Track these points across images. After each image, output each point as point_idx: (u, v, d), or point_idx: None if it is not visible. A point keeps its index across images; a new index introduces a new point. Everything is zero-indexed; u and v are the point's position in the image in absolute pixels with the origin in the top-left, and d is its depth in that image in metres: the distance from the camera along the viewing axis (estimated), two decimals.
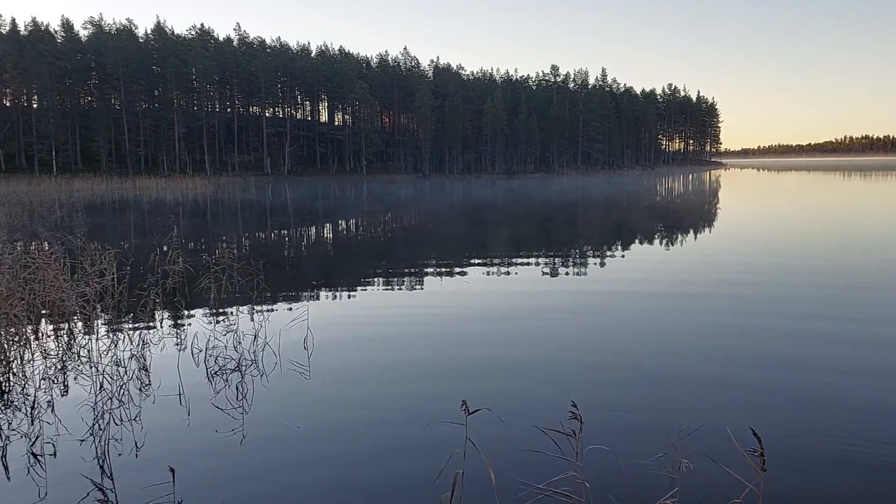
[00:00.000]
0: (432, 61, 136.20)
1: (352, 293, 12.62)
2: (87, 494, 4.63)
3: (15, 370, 7.27)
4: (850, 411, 6.15)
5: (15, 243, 12.57)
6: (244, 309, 10.54)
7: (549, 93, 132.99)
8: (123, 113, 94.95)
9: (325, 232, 27.17)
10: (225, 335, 8.68)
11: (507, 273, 14.83)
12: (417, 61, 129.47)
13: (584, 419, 3.51)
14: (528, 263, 16.24)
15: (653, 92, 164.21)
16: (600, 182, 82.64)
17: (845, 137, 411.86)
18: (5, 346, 7.69)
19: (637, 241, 21.18)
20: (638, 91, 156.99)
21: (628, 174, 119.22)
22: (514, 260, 16.96)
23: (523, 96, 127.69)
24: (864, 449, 5.38)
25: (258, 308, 10.54)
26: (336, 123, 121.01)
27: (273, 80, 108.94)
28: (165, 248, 12.39)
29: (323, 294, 12.52)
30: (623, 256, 17.45)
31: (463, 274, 14.63)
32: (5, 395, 6.65)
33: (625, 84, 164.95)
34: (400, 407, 6.47)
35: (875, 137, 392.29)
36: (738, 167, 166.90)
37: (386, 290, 12.82)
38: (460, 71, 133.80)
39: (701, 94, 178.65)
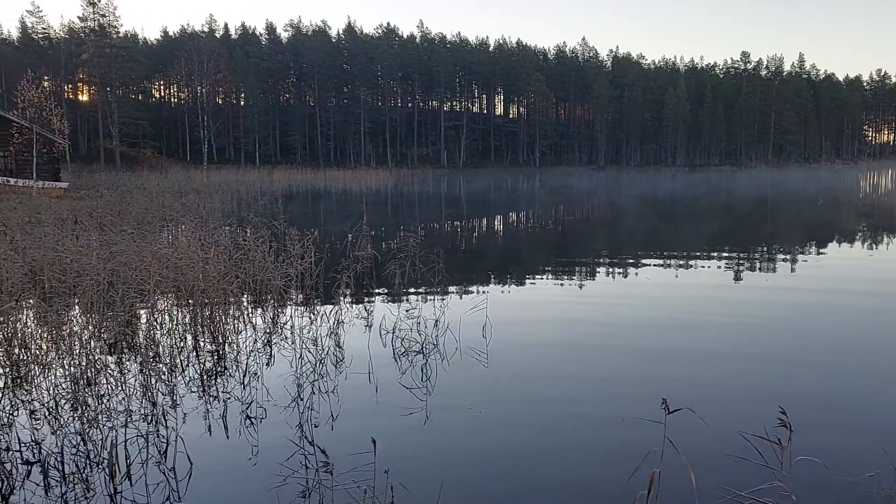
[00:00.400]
0: (611, 51, 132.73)
1: (530, 283, 12.70)
2: (293, 455, 5.07)
3: (230, 341, 8.13)
4: None
5: (226, 227, 14.00)
6: (426, 295, 10.97)
7: (738, 81, 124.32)
8: (317, 109, 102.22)
9: (500, 223, 27.51)
10: (409, 319, 9.08)
11: (697, 269, 14.13)
12: (596, 52, 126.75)
13: (793, 428, 3.26)
14: (719, 260, 15.37)
15: (858, 79, 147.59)
16: (794, 176, 76.02)
17: None
18: (222, 318, 8.62)
19: (836, 240, 19.26)
20: (840, 78, 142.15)
21: (826, 168, 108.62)
22: (703, 256, 16.13)
23: (709, 85, 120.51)
24: None
25: (439, 295, 10.92)
26: (511, 116, 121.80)
27: (452, 74, 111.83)
28: (351, 236, 13.20)
29: (501, 283, 12.72)
30: (825, 255, 15.96)
31: (645, 267, 14.16)
32: (221, 363, 7.45)
33: (825, 71, 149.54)
34: (584, 401, 6.41)
35: None
36: None
37: (566, 281, 12.76)
38: (640, 60, 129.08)
39: None
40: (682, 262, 15.31)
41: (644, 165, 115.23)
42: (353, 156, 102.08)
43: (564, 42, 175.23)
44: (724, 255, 16.64)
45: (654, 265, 14.93)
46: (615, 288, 12.25)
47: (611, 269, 14.39)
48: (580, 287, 12.34)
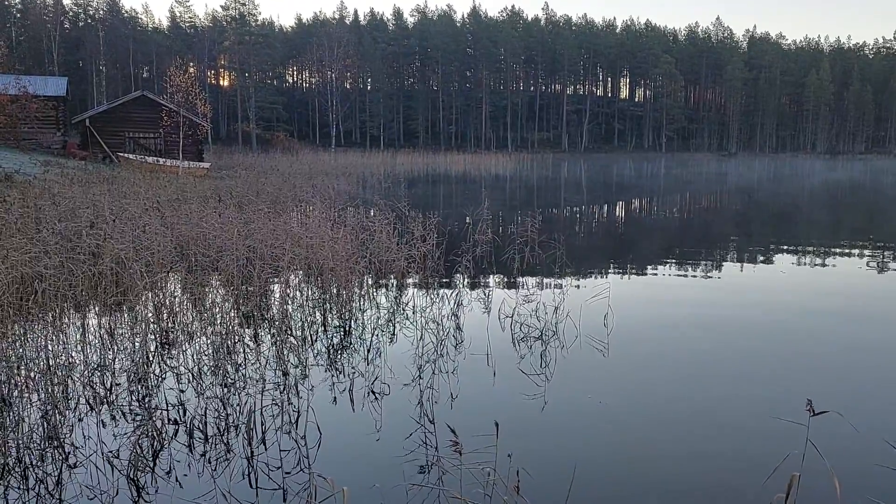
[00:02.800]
0: (748, 31, 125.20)
1: (653, 273, 12.34)
2: (414, 432, 5.22)
3: (356, 318, 8.45)
4: None
5: (354, 209, 14.51)
6: (545, 281, 10.90)
7: (891, 62, 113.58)
8: (440, 93, 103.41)
9: (622, 210, 26.80)
10: (527, 304, 9.06)
11: (840, 263, 13.21)
12: (731, 31, 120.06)
13: None
14: (864, 253, 14.27)
15: None
16: None
17: None
18: (349, 296, 8.98)
19: None
20: None
21: None
22: (846, 249, 15.03)
23: (856, 67, 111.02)
24: None
25: (559, 281, 10.82)
26: (636, 99, 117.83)
27: (576, 56, 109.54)
28: (471, 220, 13.32)
29: (623, 272, 12.44)
30: None
31: (771, 261, 13.39)
32: (347, 338, 7.77)
33: None
34: (715, 397, 6.18)
35: None
36: None
37: (687, 273, 12.28)
38: (780, 40, 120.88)
39: None
40: (820, 255, 14.32)
41: (779, 151, 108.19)
42: (473, 140, 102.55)
43: (697, 22, 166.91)
44: (872, 248, 15.39)
45: (789, 258, 14.06)
46: (745, 281, 11.67)
47: (741, 261, 13.71)
48: (707, 279, 11.84)
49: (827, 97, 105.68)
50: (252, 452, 4.81)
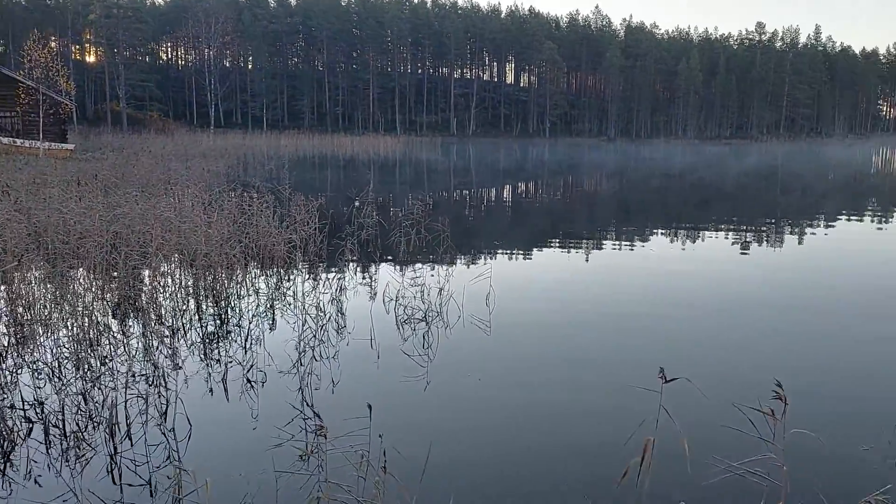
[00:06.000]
0: (624, 20, 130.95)
1: (534, 254, 12.66)
2: (292, 420, 5.08)
3: (232, 305, 8.13)
4: None
5: (231, 192, 13.94)
6: (430, 263, 10.93)
7: (752, 53, 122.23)
8: (325, 74, 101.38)
9: (507, 193, 27.37)
10: (412, 287, 9.04)
11: (702, 242, 14.08)
12: (609, 20, 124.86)
13: (788, 401, 3.24)
14: (718, 236, 15.29)
15: (875, 52, 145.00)
16: (808, 151, 75.32)
17: None
18: (225, 282, 8.62)
19: (843, 216, 19.08)
20: (857, 51, 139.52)
21: (837, 143, 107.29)
22: (702, 231, 16.04)
23: (722, 56, 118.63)
24: None
25: (443, 263, 10.88)
26: (522, 85, 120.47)
27: (463, 41, 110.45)
28: (358, 203, 13.15)
29: (505, 254, 12.68)
30: (823, 234, 15.83)
31: (646, 241, 14.11)
32: (224, 326, 7.46)
33: (841, 43, 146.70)
34: (584, 369, 6.42)
35: None
36: None
37: (567, 253, 12.71)
38: (654, 30, 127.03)
39: None
40: (688, 236, 15.24)
41: (653, 137, 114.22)
42: (361, 122, 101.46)
43: (577, 10, 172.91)
44: (731, 229, 16.54)
45: (661, 238, 14.87)
46: (620, 260, 12.21)
47: (617, 242, 14.34)
48: (585, 258, 12.29)
49: (696, 85, 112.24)
50: (116, 448, 4.55)
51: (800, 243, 14.32)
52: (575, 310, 8.58)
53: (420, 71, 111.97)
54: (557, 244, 13.88)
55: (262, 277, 9.58)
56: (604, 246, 13.72)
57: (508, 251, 13.03)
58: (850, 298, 9.42)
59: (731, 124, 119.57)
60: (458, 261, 11.28)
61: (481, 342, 7.15)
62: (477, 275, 9.61)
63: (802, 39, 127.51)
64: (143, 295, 8.01)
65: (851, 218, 18.59)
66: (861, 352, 7.06)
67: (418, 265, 10.83)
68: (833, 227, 16.89)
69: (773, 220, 18.33)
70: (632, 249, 13.36)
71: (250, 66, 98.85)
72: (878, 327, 7.95)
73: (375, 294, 8.94)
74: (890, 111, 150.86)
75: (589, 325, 7.93)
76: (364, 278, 9.95)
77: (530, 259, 12.30)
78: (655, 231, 15.94)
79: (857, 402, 5.64)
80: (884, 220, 18.31)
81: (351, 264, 10.67)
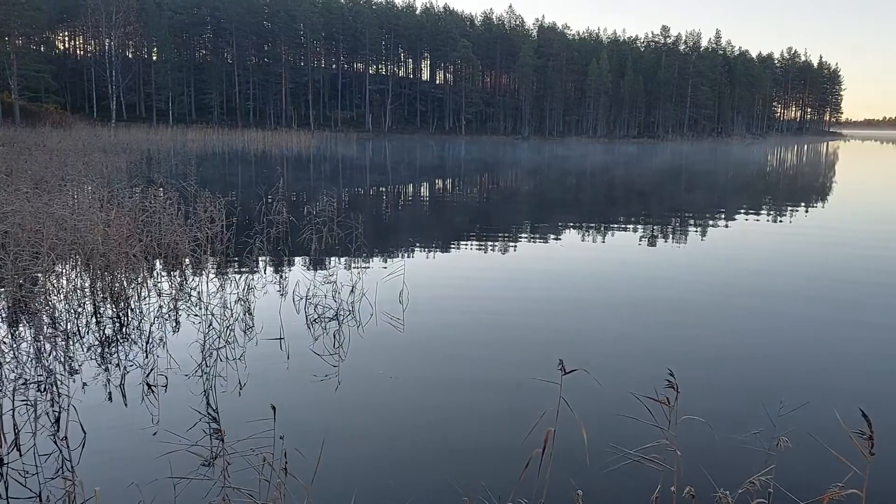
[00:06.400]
0: (537, 20, 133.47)
1: (448, 251, 12.74)
2: (195, 425, 4.93)
3: (133, 307, 7.78)
4: None
5: (134, 188, 13.37)
6: (343, 261, 10.82)
7: (658, 55, 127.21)
8: (235, 67, 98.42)
9: (423, 190, 27.43)
10: (324, 285, 8.93)
11: (605, 239, 14.54)
12: (522, 20, 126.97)
13: (681, 389, 3.40)
14: (626, 231, 15.86)
15: (770, 56, 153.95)
16: (709, 150, 79.08)
17: None
18: (124, 283, 8.24)
19: (741, 213, 20.17)
20: (754, 55, 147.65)
21: (736, 143, 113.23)
22: (609, 227, 16.60)
23: (630, 58, 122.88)
24: None
25: (356, 261, 10.80)
26: (437, 82, 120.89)
27: (377, 36, 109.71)
28: (270, 199, 12.85)
29: (420, 251, 12.70)
30: (724, 229, 16.70)
31: (558, 238, 14.46)
32: (123, 329, 7.14)
33: (739, 47, 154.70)
34: (492, 364, 6.52)
35: None
36: (859, 139, 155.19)
37: (482, 249, 12.85)
38: (566, 31, 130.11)
39: (823, 60, 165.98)
40: (599, 231, 15.72)
41: (565, 135, 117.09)
42: (273, 117, 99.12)
43: (491, 9, 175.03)
44: (639, 225, 17.17)
45: (573, 234, 15.27)
46: (532, 255, 12.47)
47: (531, 237, 14.63)
48: (500, 254, 12.47)
49: (606, 85, 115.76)
50: (2, 459, 4.28)
51: (702, 239, 15.01)
52: (487, 306, 8.68)
53: (334, 66, 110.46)
54: (473, 241, 14.03)
55: (166, 277, 9.23)
56: (518, 242, 13.96)
57: (423, 248, 13.06)
58: (742, 292, 9.94)
59: (639, 124, 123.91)
60: (372, 258, 11.22)
61: (394, 340, 7.14)
62: (390, 272, 9.60)
63: (704, 43, 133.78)
64: (35, 297, 7.55)
65: (749, 214, 19.64)
66: (749, 342, 7.48)
67: (330, 263, 10.71)
68: (733, 222, 17.80)
69: (677, 217, 19.15)
70: (546, 244, 13.67)
71: (154, 58, 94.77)
72: (766, 319, 8.45)
73: (285, 293, 8.77)
74: (783, 113, 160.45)
75: (499, 321, 8.04)
76: (273, 277, 9.74)
77: (445, 256, 12.38)
78: (568, 227, 16.35)
79: (744, 389, 5.99)
80: (778, 216, 19.44)
81: (260, 263, 10.43)
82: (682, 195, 27.05)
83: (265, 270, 10.09)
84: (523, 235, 14.90)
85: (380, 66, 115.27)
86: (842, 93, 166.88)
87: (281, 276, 9.77)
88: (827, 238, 15.09)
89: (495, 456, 4.64)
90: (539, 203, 23.23)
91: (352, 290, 8.61)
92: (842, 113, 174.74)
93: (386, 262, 11.09)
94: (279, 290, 8.94)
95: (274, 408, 3.66)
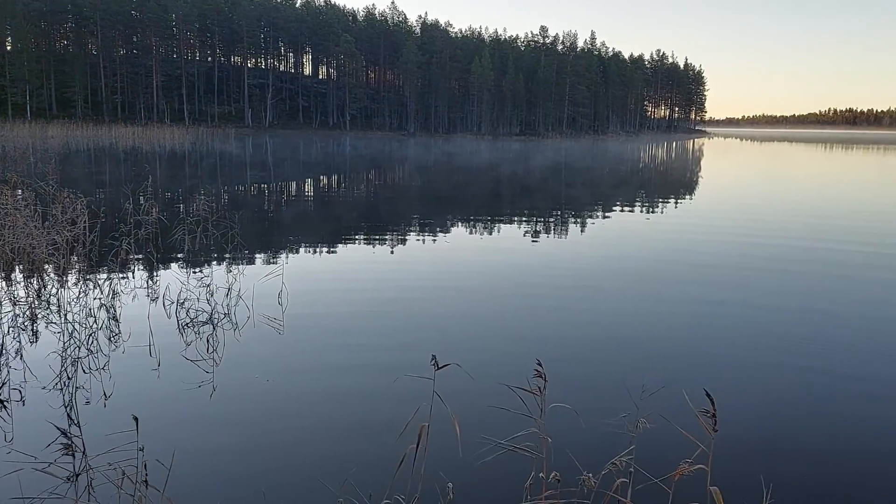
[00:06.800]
0: (420, 17, 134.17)
1: (331, 250, 12.58)
2: (55, 440, 4.61)
3: None
4: (806, 375, 6.30)
5: None
6: (218, 262, 10.46)
7: (538, 54, 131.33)
8: (100, 59, 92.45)
9: (305, 187, 26.94)
10: (198, 288, 8.62)
11: (486, 234, 14.87)
12: (405, 16, 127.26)
13: (552, 378, 3.55)
14: (508, 225, 16.29)
15: (641, 57, 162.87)
16: (589, 147, 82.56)
17: (829, 110, 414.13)
18: None
19: (617, 207, 21.24)
20: (626, 56, 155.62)
21: (612, 140, 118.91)
22: (494, 222, 16.99)
23: (511, 57, 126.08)
24: (813, 409, 5.53)
25: (233, 261, 10.47)
26: (320, 77, 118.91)
27: (256, 29, 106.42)
28: (140, 199, 12.20)
29: (300, 249, 12.48)
30: (601, 222, 17.52)
31: (446, 233, 14.64)
32: None
33: (613, 48, 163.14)
34: (371, 362, 6.52)
35: (859, 111, 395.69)
36: (722, 136, 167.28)
37: (364, 246, 12.80)
38: (448, 28, 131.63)
39: (689, 62, 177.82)
40: (484, 227, 16.05)
41: (450, 132, 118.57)
42: (144, 111, 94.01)
43: (374, 4, 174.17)
44: (522, 219, 17.67)
45: (459, 229, 15.50)
46: (415, 252, 12.54)
47: (407, 235, 14.71)
48: (385, 251, 12.44)
49: (488, 83, 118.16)
50: None
51: (581, 232, 15.66)
52: (368, 303, 8.65)
53: (210, 59, 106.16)
54: (358, 238, 13.93)
55: (22, 285, 8.57)
56: (404, 239, 13.99)
57: (305, 247, 12.82)
58: (613, 281, 10.46)
59: (521, 121, 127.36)
60: (250, 259, 10.90)
61: (272, 342, 6.99)
62: (269, 272, 9.39)
63: (580, 44, 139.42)
64: None
65: (624, 208, 20.70)
66: (618, 329, 7.91)
67: (205, 265, 10.31)
68: (608, 215, 18.68)
69: (558, 211, 19.85)
70: (431, 240, 13.78)
71: (9, 48, 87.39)
72: (635, 306, 8.95)
73: (155, 297, 8.37)
74: (653, 111, 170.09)
75: (380, 318, 8.04)
76: (142, 281, 9.26)
77: (328, 254, 12.21)
78: (455, 223, 16.57)
79: (612, 375, 6.31)
80: (650, 209, 20.61)
81: (126, 266, 9.89)
82: (564, 190, 28.09)
83: (133, 274, 9.58)
84: (410, 232, 14.98)
85: (259, 60, 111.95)
86: (706, 93, 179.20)
87: (150, 280, 9.30)
88: (693, 228, 16.18)
89: (371, 454, 4.65)
90: (426, 199, 23.41)
91: (228, 293, 8.36)
92: (706, 112, 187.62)
93: (265, 262, 10.81)
94: (148, 295, 8.52)
95: (136, 419, 3.50)
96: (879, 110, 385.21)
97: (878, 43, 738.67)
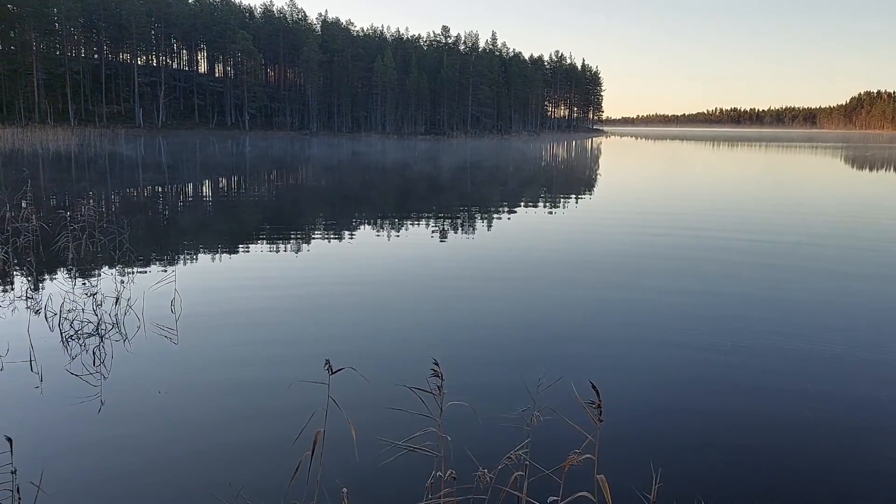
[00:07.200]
0: (320, 14, 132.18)
1: (226, 253, 12.19)
2: None
3: None
4: (694, 361, 6.65)
5: None
6: (106, 270, 9.93)
7: (440, 54, 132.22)
8: None
9: (202, 190, 26.00)
10: (83, 297, 8.16)
11: (390, 234, 14.83)
12: (304, 14, 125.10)
13: (451, 377, 3.57)
14: (413, 225, 16.30)
15: (540, 58, 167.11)
16: (493, 146, 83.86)
17: (716, 109, 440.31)
18: None
19: (521, 204, 21.68)
20: (526, 57, 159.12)
21: (516, 139, 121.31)
22: (398, 221, 16.97)
23: (414, 56, 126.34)
24: (702, 395, 5.85)
25: (122, 269, 9.97)
26: (217, 75, 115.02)
27: (146, 25, 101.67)
28: (20, 204, 11.41)
29: (194, 254, 12.02)
30: (505, 220, 17.83)
31: (345, 233, 14.49)
32: None
33: (514, 49, 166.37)
34: (265, 368, 6.36)
35: (743, 110, 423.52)
36: (618, 135, 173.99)
37: (263, 249, 12.48)
38: (350, 27, 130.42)
39: (586, 63, 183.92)
40: (390, 226, 15.98)
41: (354, 132, 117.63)
42: (23, 112, 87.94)
43: (272, 1, 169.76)
44: (429, 218, 17.72)
45: (365, 230, 15.38)
46: (314, 254, 12.35)
47: (317, 236, 14.48)
48: (281, 254, 12.17)
49: (392, 82, 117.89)
50: None
51: (488, 229, 15.83)
52: (265, 307, 8.41)
53: (97, 56, 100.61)
54: (257, 241, 13.55)
55: None
56: (306, 240, 13.72)
57: (200, 252, 12.34)
58: (512, 277, 10.67)
59: (426, 121, 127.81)
60: (140, 266, 10.40)
61: (165, 352, 6.70)
62: (160, 279, 9.00)
63: (482, 44, 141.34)
64: None
65: (528, 206, 21.14)
66: (515, 324, 8.07)
67: (91, 273, 9.76)
68: (512, 213, 19.03)
69: (464, 210, 19.98)
70: (335, 241, 13.60)
71: None
72: (533, 302, 9.16)
73: (37, 309, 7.86)
74: (553, 111, 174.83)
75: (277, 322, 7.85)
76: (21, 292, 8.66)
77: (223, 258, 11.79)
78: (361, 223, 16.43)
79: (508, 372, 6.37)
80: (552, 206, 21.14)
81: (5, 277, 9.23)
82: (470, 189, 28.36)
83: (11, 285, 8.95)
84: (312, 234, 14.73)
85: (150, 57, 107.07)
86: (602, 93, 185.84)
87: (30, 291, 8.71)
88: (592, 223, 16.73)
89: (266, 463, 4.55)
90: (329, 200, 23.07)
91: (116, 302, 7.97)
92: (603, 111, 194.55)
93: (156, 268, 10.34)
94: (29, 307, 7.98)
95: (10, 440, 3.27)
96: (761, 109, 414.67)
97: (759, 48, 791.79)
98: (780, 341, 7.32)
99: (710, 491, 4.32)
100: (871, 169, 45.01)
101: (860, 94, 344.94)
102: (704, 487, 4.37)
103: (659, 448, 4.90)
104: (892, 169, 45.42)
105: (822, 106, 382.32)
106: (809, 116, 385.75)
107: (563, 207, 20.83)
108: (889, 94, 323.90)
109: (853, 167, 47.53)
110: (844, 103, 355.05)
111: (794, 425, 5.32)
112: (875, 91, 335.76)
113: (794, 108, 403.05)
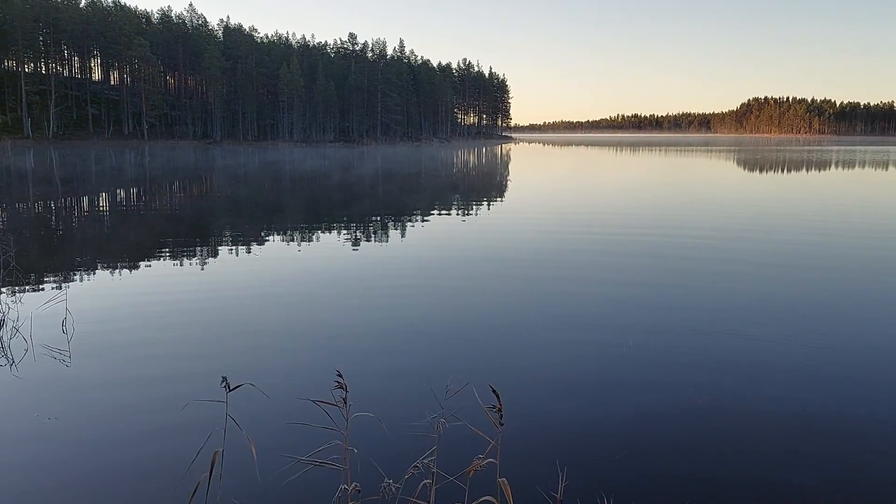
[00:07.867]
0: (222, 20, 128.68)
1: (122, 269, 11.63)
2: None
3: None
4: (602, 357, 6.86)
5: None
6: None
7: (348, 61, 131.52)
8: None
9: (97, 203, 24.73)
10: None
11: (298, 243, 14.57)
12: (205, 19, 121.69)
13: (358, 388, 3.53)
14: (324, 233, 16.07)
15: (449, 66, 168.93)
16: (405, 153, 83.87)
17: (619, 116, 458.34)
18: None
19: (434, 211, 21.77)
20: (434, 64, 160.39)
21: (427, 146, 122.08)
22: (308, 231, 16.70)
23: (321, 63, 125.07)
24: (609, 392, 6.05)
25: (9, 290, 9.34)
26: (112, 82, 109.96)
27: (33, 31, 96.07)
28: None
29: (88, 271, 11.40)
30: (418, 226, 17.84)
31: (250, 245, 14.13)
32: None
33: (422, 57, 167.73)
34: (163, 387, 6.10)
35: (643, 116, 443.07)
36: (526, 142, 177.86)
37: (161, 264, 11.99)
38: (254, 33, 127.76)
39: (493, 71, 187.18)
40: (302, 237, 15.68)
41: (260, 140, 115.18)
42: None
43: (170, 6, 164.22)
44: (342, 227, 17.50)
45: (266, 243, 15.02)
46: (213, 269, 11.94)
47: (215, 250, 14.05)
48: (180, 269, 11.72)
49: (298, 90, 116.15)
50: None
51: (401, 237, 15.71)
52: (163, 325, 8.05)
53: None
54: (156, 255, 12.98)
55: None
56: (209, 254, 13.26)
57: (94, 269, 11.69)
58: (422, 285, 10.68)
59: (335, 128, 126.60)
60: (28, 285, 9.78)
61: (56, 375, 6.32)
62: (50, 298, 8.49)
63: (389, 52, 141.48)
64: None
65: (442, 211, 21.23)
66: (422, 330, 8.05)
67: None
68: (426, 220, 19.00)
69: (376, 217, 19.86)
70: (243, 254, 13.23)
71: None
72: (440, 307, 9.19)
73: None
74: (463, 118, 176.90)
75: (174, 340, 7.52)
76: None
77: (120, 275, 11.21)
78: (268, 234, 16.03)
79: (416, 380, 6.34)
80: (465, 211, 21.32)
81: None
82: (383, 196, 28.24)
83: None
84: (216, 247, 14.25)
85: (38, 64, 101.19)
86: (510, 100, 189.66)
87: None
88: (501, 227, 16.99)
89: (164, 485, 4.34)
90: (235, 212, 22.43)
91: (2, 324, 7.46)
92: (511, 119, 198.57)
93: (47, 287, 9.75)
94: None
95: None
96: (660, 115, 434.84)
97: (657, 56, 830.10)
98: (679, 336, 7.66)
99: (616, 485, 4.45)
100: (761, 171, 48.03)
101: (749, 101, 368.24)
102: (610, 482, 4.50)
103: (564, 447, 5.01)
104: (779, 170, 48.62)
105: (716, 112, 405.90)
106: (705, 122, 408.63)
107: (475, 213, 21.06)
108: (776, 100, 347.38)
109: (745, 169, 50.50)
110: (736, 109, 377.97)
111: (689, 413, 5.57)
112: (763, 97, 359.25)
113: (690, 114, 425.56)
